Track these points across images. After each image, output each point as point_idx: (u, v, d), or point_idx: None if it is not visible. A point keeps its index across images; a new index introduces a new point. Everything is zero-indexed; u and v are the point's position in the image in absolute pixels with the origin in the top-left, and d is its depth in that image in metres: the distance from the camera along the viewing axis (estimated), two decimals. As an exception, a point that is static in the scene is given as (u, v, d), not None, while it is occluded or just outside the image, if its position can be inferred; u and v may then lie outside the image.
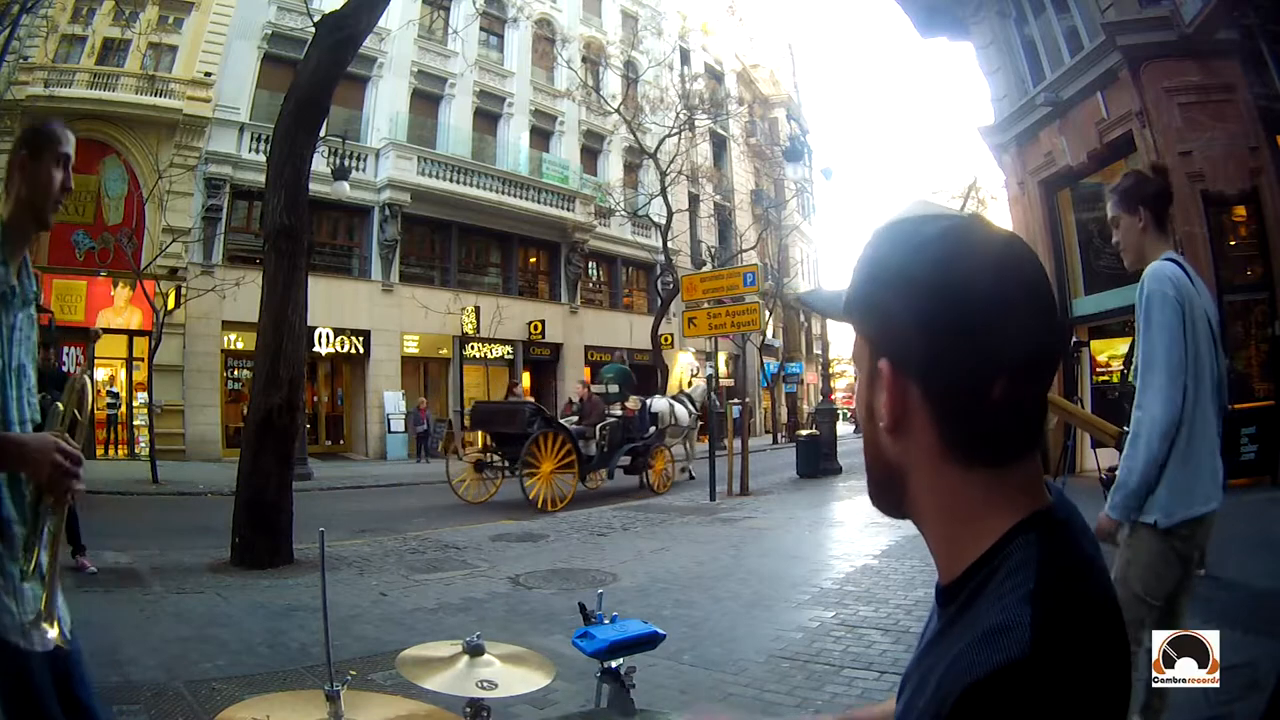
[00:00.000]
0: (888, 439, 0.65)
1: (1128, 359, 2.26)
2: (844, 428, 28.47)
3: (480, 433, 11.28)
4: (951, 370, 0.61)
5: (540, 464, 9.58)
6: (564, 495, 9.75)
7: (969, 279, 0.60)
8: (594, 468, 10.83)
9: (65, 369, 10.79)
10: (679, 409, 13.07)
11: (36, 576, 1.56)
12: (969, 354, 0.60)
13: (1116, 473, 2.05)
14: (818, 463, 12.78)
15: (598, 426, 10.78)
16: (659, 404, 12.63)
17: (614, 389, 12.04)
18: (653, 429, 11.90)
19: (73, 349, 14.17)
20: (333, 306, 17.48)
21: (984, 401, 0.60)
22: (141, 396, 15.23)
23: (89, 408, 1.71)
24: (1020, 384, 0.60)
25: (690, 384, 24.73)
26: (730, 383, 25.32)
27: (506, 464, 10.39)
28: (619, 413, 11.52)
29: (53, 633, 1.52)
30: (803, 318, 36.82)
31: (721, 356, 22.94)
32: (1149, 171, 2.28)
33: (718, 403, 13.26)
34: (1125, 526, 2.04)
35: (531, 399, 15.27)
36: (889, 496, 0.68)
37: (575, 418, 11.08)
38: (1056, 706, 0.53)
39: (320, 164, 10.99)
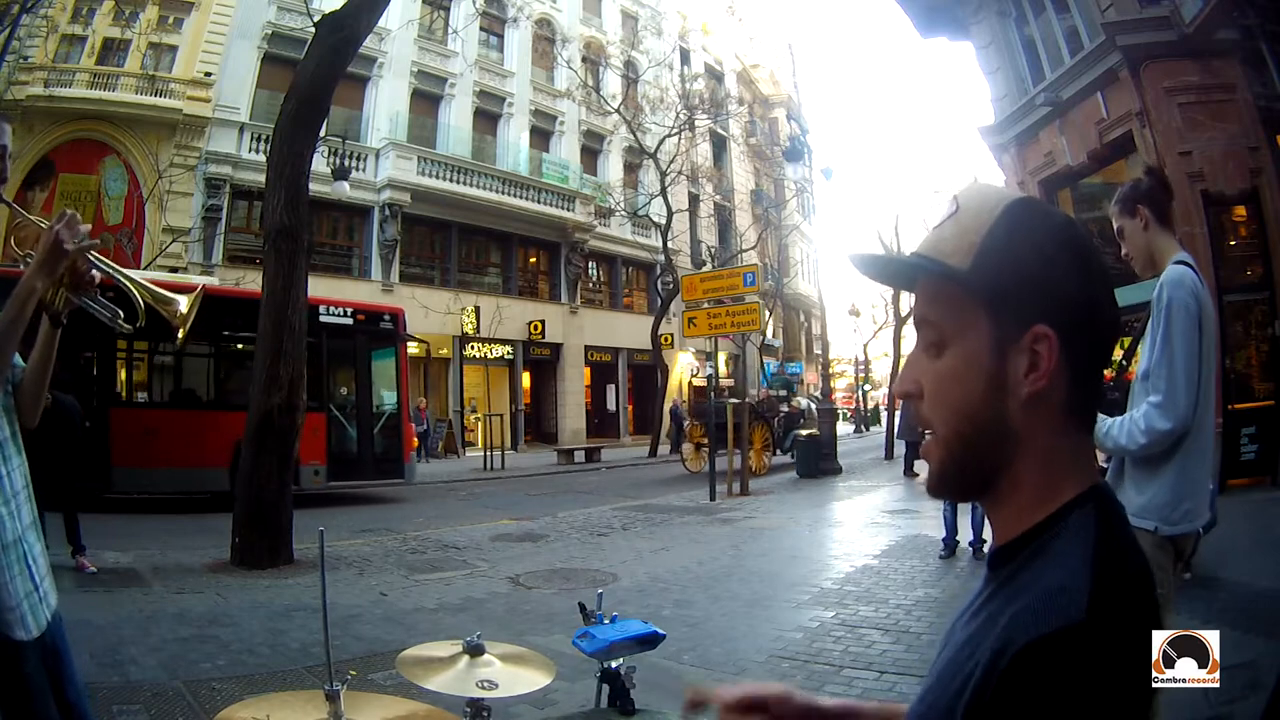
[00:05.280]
0: (1020, 406, 0.65)
1: (1127, 355, 2.25)
2: (844, 428, 28.45)
3: (699, 422, 15.06)
4: (1099, 331, 0.67)
5: (754, 444, 13.31)
6: (763, 465, 13.81)
7: (1096, 252, 0.68)
8: (774, 447, 14.83)
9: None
10: (814, 407, 16.71)
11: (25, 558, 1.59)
12: (1111, 318, 0.67)
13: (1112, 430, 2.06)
14: (818, 463, 12.83)
15: (776, 419, 15.09)
16: (802, 402, 16.73)
17: (783, 392, 16.14)
18: (802, 420, 15.69)
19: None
20: (333, 306, 17.45)
21: (1108, 359, 0.68)
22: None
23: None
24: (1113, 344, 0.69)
25: (689, 384, 25.03)
26: (730, 383, 25.33)
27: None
28: (786, 409, 15.64)
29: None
30: (802, 317, 36.77)
31: (721, 356, 22.92)
32: (1142, 174, 2.27)
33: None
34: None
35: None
36: (980, 474, 0.67)
37: None
38: (1103, 672, 0.55)
39: (320, 164, 11.00)
